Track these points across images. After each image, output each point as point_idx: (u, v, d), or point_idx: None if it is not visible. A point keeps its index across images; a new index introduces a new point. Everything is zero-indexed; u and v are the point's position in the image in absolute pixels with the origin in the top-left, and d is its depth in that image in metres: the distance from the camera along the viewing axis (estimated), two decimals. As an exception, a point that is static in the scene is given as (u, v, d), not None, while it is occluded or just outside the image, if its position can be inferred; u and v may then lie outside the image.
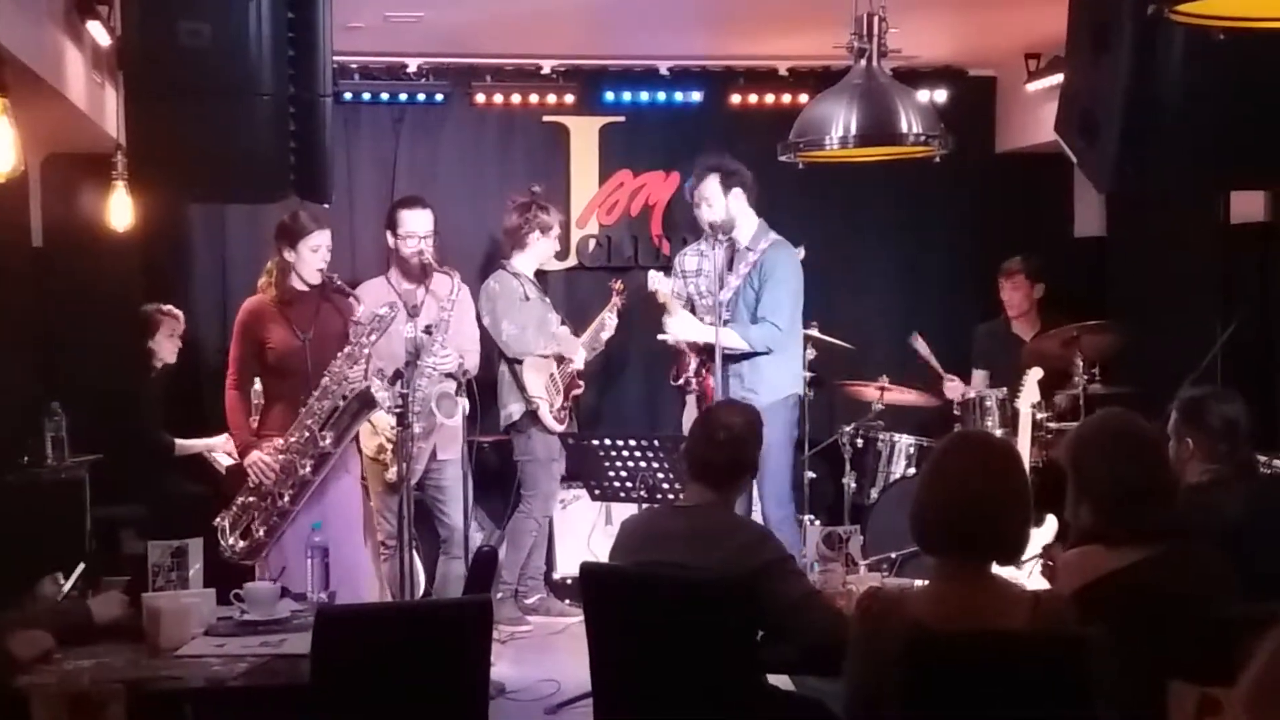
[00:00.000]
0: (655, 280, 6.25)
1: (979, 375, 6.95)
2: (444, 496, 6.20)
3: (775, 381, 6.10)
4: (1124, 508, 3.18)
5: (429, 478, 6.15)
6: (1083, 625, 2.84)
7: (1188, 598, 3.07)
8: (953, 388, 6.88)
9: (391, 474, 5.84)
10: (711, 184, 6.16)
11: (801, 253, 6.46)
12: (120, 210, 5.83)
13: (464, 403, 5.97)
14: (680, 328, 6.18)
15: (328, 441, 5.10)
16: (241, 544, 5.12)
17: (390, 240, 6.20)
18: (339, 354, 5.17)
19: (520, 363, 6.51)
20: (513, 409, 6.56)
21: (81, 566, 3.96)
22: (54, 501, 5.48)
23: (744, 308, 6.15)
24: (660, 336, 6.28)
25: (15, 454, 5.55)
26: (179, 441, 6.39)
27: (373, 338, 5.20)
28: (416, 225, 6.11)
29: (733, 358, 6.06)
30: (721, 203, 6.13)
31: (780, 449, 5.91)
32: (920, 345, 6.93)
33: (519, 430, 6.60)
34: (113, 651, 3.56)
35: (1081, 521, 3.27)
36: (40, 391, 5.93)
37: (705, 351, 6.12)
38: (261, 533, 5.13)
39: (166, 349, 6.48)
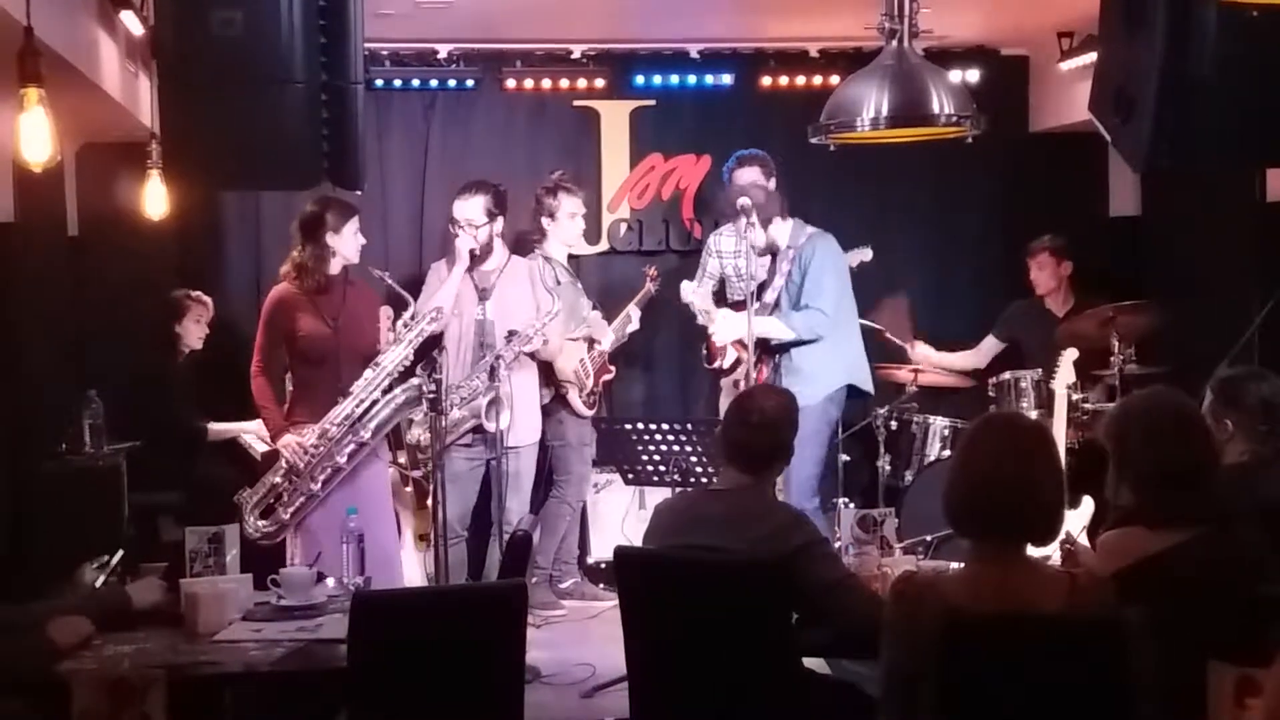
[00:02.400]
0: (687, 292, 6.30)
1: (990, 342, 6.96)
2: (506, 482, 6.17)
3: (818, 374, 6.09)
4: (1166, 489, 3.16)
5: (494, 462, 6.14)
6: (1120, 606, 2.83)
7: (1229, 580, 3.05)
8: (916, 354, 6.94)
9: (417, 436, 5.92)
10: (754, 173, 6.31)
11: (869, 254, 6.52)
12: (155, 199, 5.87)
13: (507, 413, 5.97)
14: (726, 330, 6.22)
15: (367, 433, 5.16)
16: (263, 523, 5.18)
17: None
18: (384, 346, 5.23)
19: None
20: (542, 393, 6.57)
21: (120, 553, 4.00)
22: (92, 489, 5.53)
23: (787, 303, 6.15)
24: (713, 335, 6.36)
25: (54, 442, 5.60)
26: (212, 426, 6.42)
27: (419, 339, 5.27)
28: (461, 213, 6.15)
29: (776, 350, 6.05)
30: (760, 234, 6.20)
31: (811, 442, 5.84)
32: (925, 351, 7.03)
33: (548, 415, 6.60)
34: (152, 637, 3.60)
35: (1122, 501, 3.25)
36: (77, 380, 5.98)
37: (753, 346, 6.13)
38: (286, 515, 5.19)
39: (192, 335, 6.49)
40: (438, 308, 5.66)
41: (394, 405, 5.21)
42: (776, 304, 6.16)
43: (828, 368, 6.14)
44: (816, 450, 6.03)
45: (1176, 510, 3.13)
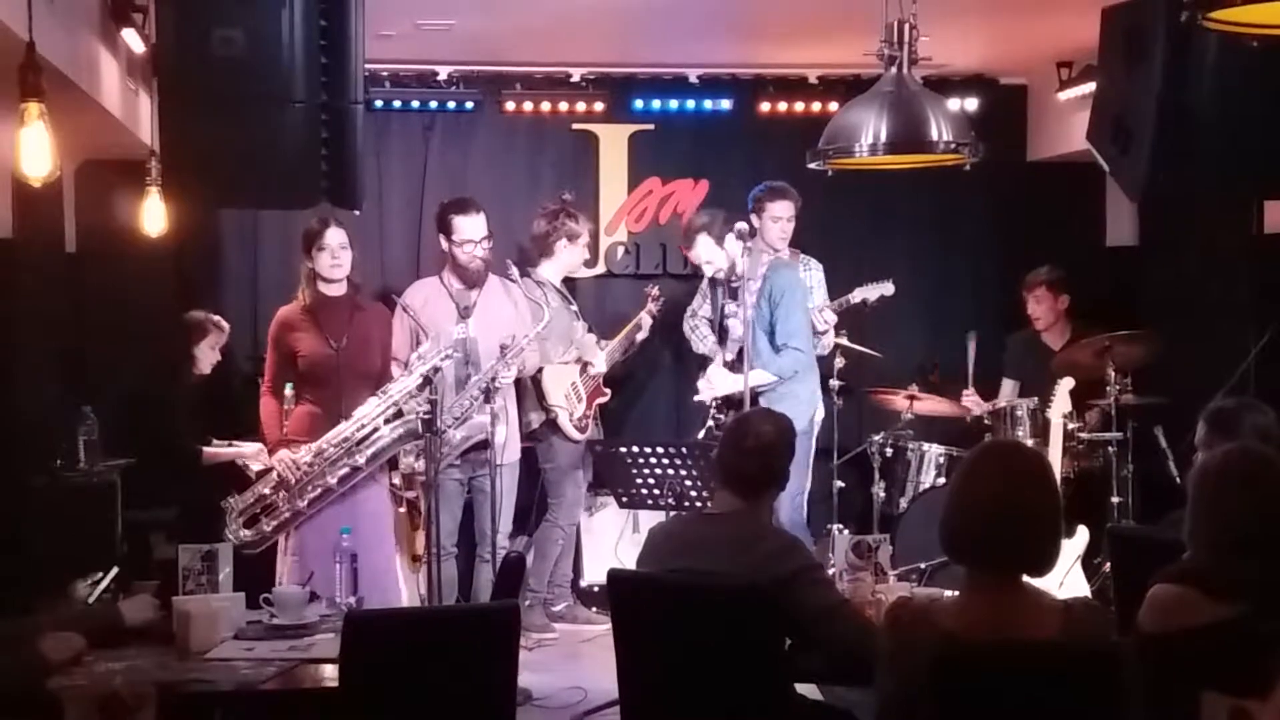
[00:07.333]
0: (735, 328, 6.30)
1: (1009, 385, 6.92)
2: (486, 500, 6.16)
3: (801, 396, 6.14)
4: (1232, 555, 2.99)
5: (476, 481, 6.15)
6: (1113, 636, 2.82)
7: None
8: (970, 399, 6.85)
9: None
10: (706, 243, 6.21)
11: (890, 288, 6.59)
12: (154, 216, 5.87)
13: (503, 429, 5.97)
14: (718, 384, 6.23)
15: (362, 459, 5.15)
16: (246, 533, 5.18)
17: (444, 244, 6.20)
18: (394, 376, 5.28)
19: (540, 371, 6.50)
20: (532, 417, 6.54)
21: (113, 570, 3.99)
22: (86, 505, 5.52)
23: (761, 333, 6.14)
24: (696, 398, 6.41)
25: (48, 458, 5.59)
26: (207, 450, 6.38)
27: (432, 373, 5.27)
28: (473, 231, 6.12)
29: (759, 393, 6.06)
30: (720, 254, 6.18)
31: (797, 468, 5.87)
32: (971, 348, 6.94)
33: (539, 439, 6.59)
34: (143, 654, 3.59)
35: (1188, 555, 3.10)
36: (72, 396, 5.97)
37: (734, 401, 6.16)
38: (269, 527, 5.20)
39: (206, 359, 6.44)
40: (453, 342, 5.68)
41: (394, 436, 5.20)
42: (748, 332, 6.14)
43: (807, 392, 6.23)
44: (801, 479, 6.06)
45: (1236, 579, 2.95)
